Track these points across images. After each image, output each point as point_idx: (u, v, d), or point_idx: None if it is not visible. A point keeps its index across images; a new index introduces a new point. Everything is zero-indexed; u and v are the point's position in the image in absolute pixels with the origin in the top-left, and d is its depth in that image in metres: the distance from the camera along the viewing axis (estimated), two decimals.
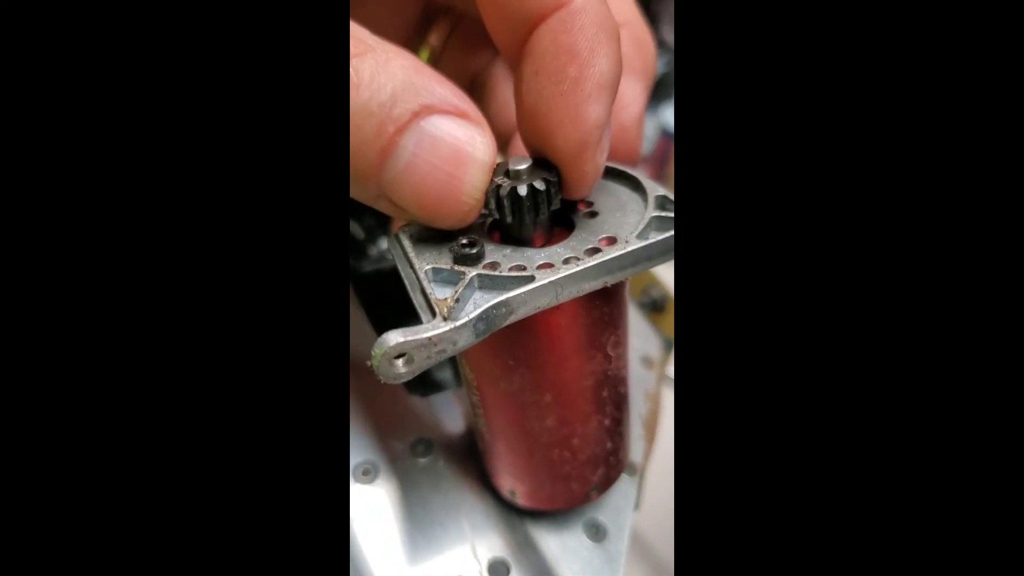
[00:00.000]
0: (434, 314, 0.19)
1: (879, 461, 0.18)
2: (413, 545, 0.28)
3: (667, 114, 0.72)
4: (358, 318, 0.36)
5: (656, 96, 0.86)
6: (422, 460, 0.30)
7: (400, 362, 0.19)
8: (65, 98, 0.18)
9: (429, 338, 0.19)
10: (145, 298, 0.18)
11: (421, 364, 0.19)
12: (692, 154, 0.19)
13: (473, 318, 0.19)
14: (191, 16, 0.18)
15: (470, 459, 0.30)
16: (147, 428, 0.18)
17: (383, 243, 0.50)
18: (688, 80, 0.19)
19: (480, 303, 0.20)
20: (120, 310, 0.18)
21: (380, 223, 0.50)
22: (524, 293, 0.20)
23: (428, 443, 0.31)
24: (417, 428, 0.31)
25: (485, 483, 0.30)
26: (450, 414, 0.32)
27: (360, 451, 0.30)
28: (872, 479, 0.18)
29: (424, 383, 0.34)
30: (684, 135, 0.20)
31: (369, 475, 0.29)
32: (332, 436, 0.19)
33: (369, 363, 0.19)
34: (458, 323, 0.19)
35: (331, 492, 0.19)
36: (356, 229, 0.49)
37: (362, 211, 0.49)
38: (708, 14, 0.19)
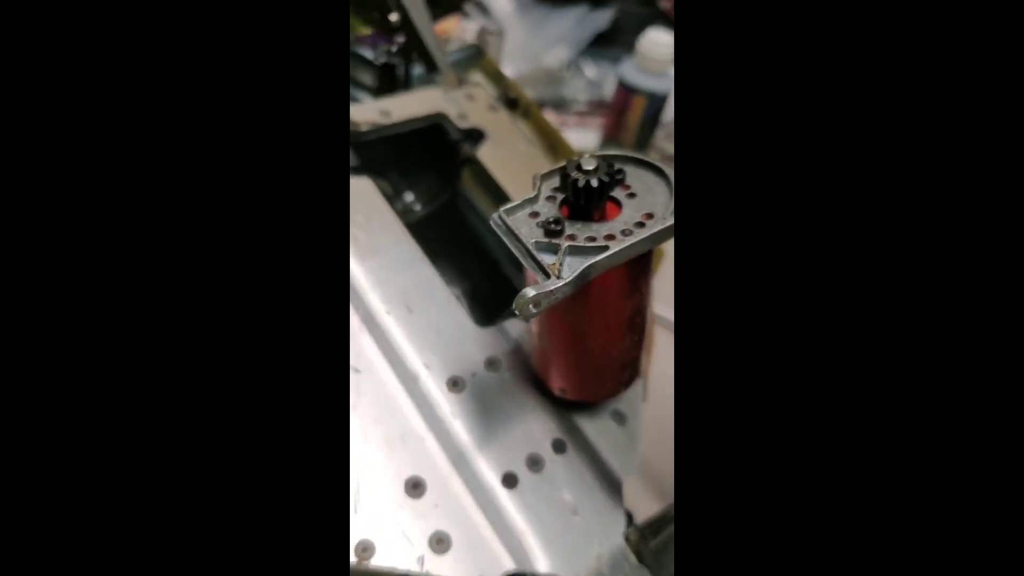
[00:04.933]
0: (547, 275, 0.29)
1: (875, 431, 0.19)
2: (494, 436, 0.38)
3: (624, 66, 0.80)
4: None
5: (615, 48, 0.93)
6: (493, 373, 0.40)
7: (532, 306, 0.28)
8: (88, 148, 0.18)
9: (551, 291, 0.28)
10: (147, 303, 0.19)
11: (543, 307, 0.29)
12: (691, 146, 0.21)
13: (576, 277, 0.29)
14: (195, 17, 0.19)
15: (525, 370, 0.41)
16: (147, 426, 0.19)
17: (407, 196, 0.58)
18: (687, 85, 0.21)
19: (575, 266, 0.29)
20: (127, 321, 0.18)
21: (403, 178, 0.58)
22: (605, 258, 0.30)
23: (496, 361, 0.41)
24: (486, 350, 0.41)
25: (538, 386, 0.41)
26: (506, 338, 0.42)
27: (450, 373, 0.40)
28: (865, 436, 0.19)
29: (488, 317, 0.44)
30: (684, 137, 0.21)
31: (458, 386, 0.39)
32: (331, 447, 0.21)
33: (513, 307, 0.28)
34: (567, 280, 0.29)
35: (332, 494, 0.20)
36: (384, 185, 0.57)
37: (386, 169, 0.57)
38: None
